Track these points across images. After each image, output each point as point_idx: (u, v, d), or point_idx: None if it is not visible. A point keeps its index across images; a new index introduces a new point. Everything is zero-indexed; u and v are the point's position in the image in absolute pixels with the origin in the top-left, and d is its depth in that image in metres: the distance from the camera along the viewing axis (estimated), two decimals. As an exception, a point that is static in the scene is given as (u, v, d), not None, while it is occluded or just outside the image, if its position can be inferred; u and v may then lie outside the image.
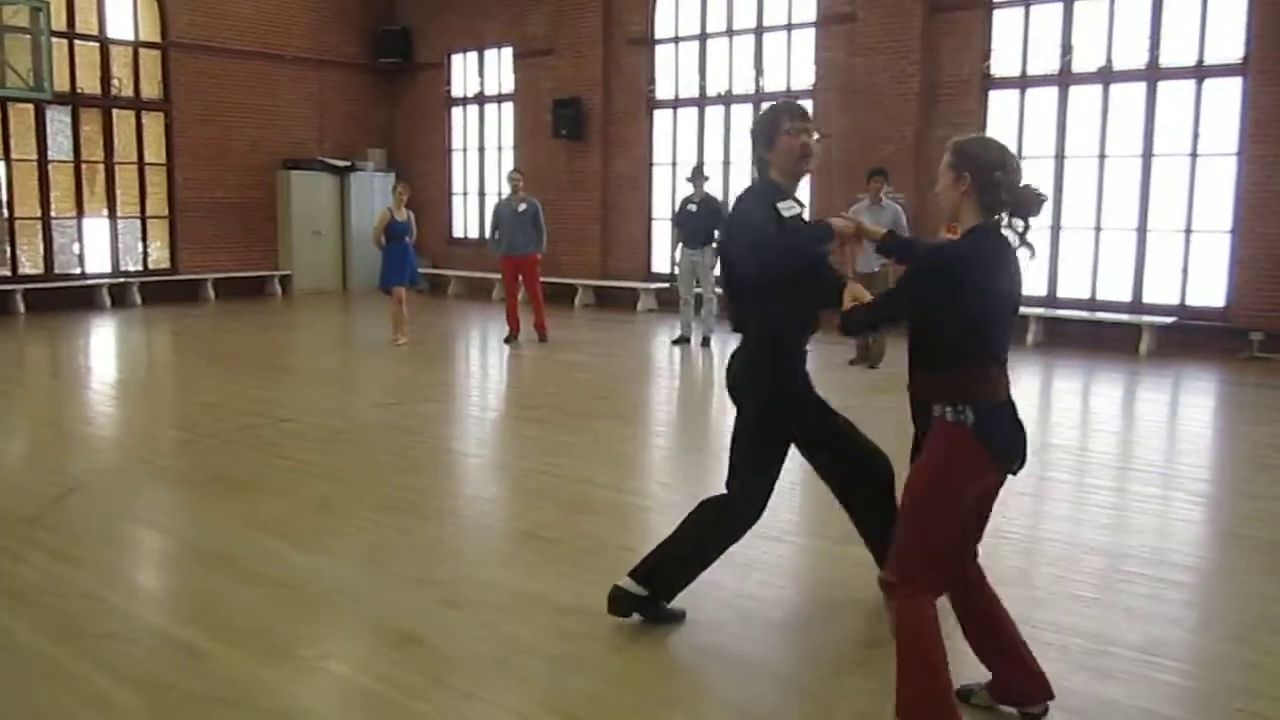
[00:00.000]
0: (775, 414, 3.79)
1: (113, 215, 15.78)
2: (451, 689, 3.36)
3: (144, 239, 16.24)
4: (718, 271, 11.84)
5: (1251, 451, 7.09)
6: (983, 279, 2.93)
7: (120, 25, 15.62)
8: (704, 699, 3.33)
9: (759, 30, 14.35)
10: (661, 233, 14.99)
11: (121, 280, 15.56)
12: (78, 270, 15.59)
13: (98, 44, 15.35)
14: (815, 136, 3.84)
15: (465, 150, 18.36)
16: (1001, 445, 2.97)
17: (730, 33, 14.64)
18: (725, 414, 8.50)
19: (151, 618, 3.97)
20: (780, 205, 3.70)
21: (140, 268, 16.17)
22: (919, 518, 2.99)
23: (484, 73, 17.81)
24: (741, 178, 14.65)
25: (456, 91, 18.23)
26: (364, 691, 3.38)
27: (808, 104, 13.71)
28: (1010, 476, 3.07)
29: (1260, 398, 9.02)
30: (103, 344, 12.20)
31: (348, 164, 17.76)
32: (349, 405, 8.23)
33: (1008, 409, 3.02)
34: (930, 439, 3.04)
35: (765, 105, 14.26)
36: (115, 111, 15.64)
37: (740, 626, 3.87)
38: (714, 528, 3.86)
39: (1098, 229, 11.87)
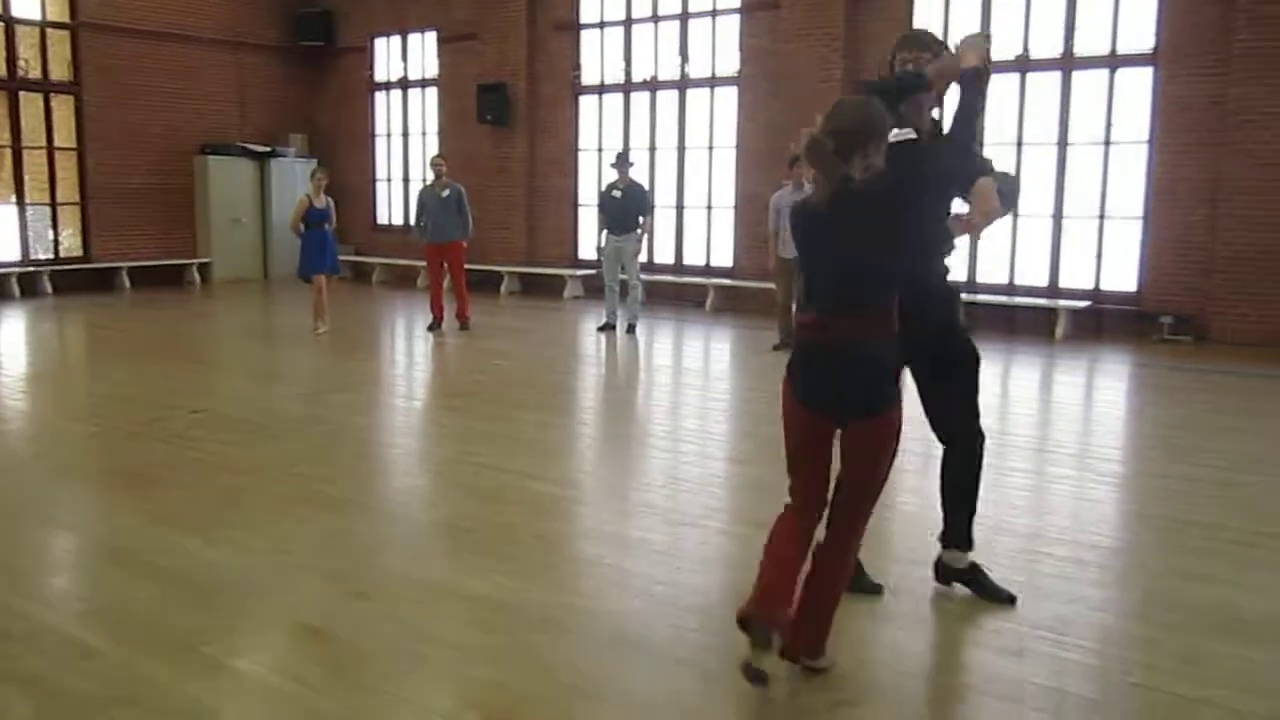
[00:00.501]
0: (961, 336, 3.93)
1: (21, 202, 15.27)
2: (357, 683, 3.29)
3: (55, 226, 15.75)
4: (643, 258, 11.94)
5: (1158, 432, 7.28)
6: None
7: (26, 4, 15.09)
8: (612, 688, 3.31)
9: (684, 16, 14.33)
10: (588, 219, 14.93)
11: (31, 269, 15.07)
12: (-16, 259, 15.10)
13: (2, 24, 14.81)
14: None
15: (389, 136, 18.09)
16: (798, 387, 3.26)
17: (656, 18, 14.61)
18: (650, 399, 8.54)
19: (46, 616, 3.84)
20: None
21: (51, 256, 15.68)
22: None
23: (408, 57, 17.56)
24: (667, 163, 14.66)
25: (380, 76, 17.96)
26: (267, 688, 3.31)
27: (732, 91, 13.79)
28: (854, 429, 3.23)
29: (1168, 379, 9.25)
30: (10, 335, 11.80)
31: (268, 149, 17.39)
32: (264, 396, 8.06)
33: (816, 357, 3.22)
34: None
35: (689, 91, 14.12)
36: (22, 94, 15.12)
37: (654, 614, 3.86)
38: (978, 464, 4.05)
39: (1015, 215, 12.06)
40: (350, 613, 3.84)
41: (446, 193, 11.55)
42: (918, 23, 12.48)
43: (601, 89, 15.30)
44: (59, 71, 15.45)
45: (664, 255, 14.81)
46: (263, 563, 4.35)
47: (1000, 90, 12.00)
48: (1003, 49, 11.94)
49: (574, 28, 15.32)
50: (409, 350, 11.30)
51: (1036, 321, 11.52)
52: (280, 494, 5.35)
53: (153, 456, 6.11)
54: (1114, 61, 11.29)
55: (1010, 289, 12.07)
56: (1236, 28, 10.33)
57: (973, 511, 4.06)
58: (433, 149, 16.40)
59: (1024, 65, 11.85)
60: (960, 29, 12.16)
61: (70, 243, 15.95)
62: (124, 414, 7.30)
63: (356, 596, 3.99)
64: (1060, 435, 7.21)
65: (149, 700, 3.19)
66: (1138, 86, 11.24)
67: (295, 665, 3.46)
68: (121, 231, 16.13)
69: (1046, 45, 11.68)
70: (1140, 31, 11.15)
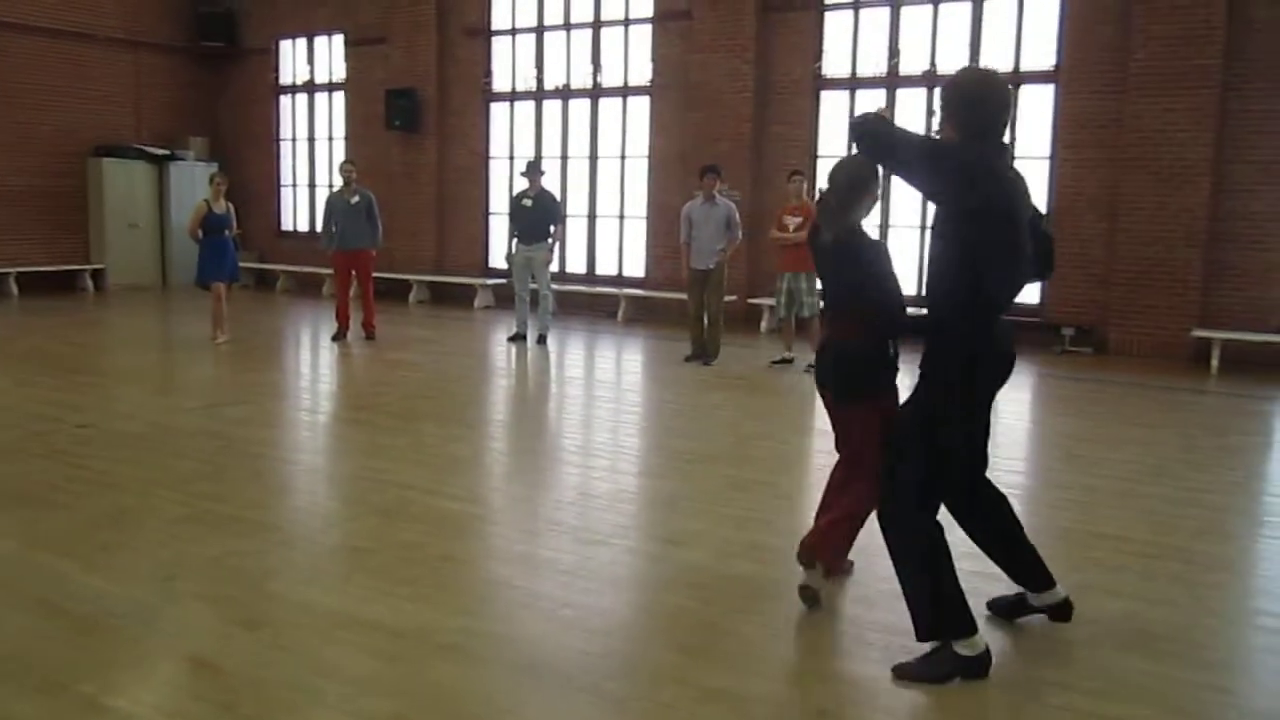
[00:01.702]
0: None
1: (-102, 204, 14.51)
2: (243, 719, 3.10)
3: (-65, 230, 15.00)
4: (554, 267, 11.79)
5: (1060, 442, 7.40)
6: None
7: (-95, -4, 14.37)
8: (515, 717, 3.17)
9: (596, 25, 14.26)
10: (499, 227, 14.75)
11: (-91, 274, 14.33)
12: None
13: (-122, 16, 14.08)
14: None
15: (294, 140, 17.68)
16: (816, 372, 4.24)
17: (568, 26, 14.52)
18: (561, 412, 8.40)
19: (-98, 652, 3.55)
20: None
21: (-69, 261, 14.94)
22: None
23: (314, 60, 17.18)
24: (579, 172, 14.56)
25: (285, 79, 17.54)
26: (144, 727, 3.09)
27: (645, 100, 13.75)
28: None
29: (1069, 390, 9.44)
30: (-117, 344, 11.16)
31: (167, 152, 16.81)
32: (156, 409, 7.72)
33: (820, 351, 4.21)
34: None
35: (601, 100, 14.06)
36: (-100, 90, 14.40)
37: (559, 638, 3.72)
38: None
39: (923, 228, 12.22)
40: (240, 643, 3.63)
41: (356, 199, 11.27)
42: (827, 37, 12.60)
43: (513, 96, 15.14)
44: (-59, 68, 14.74)
45: (576, 265, 14.70)
46: (147, 590, 4.10)
47: (910, 105, 12.18)
48: (911, 63, 12.13)
49: (485, 33, 15.14)
50: (312, 361, 10.98)
51: (944, 333, 11.67)
52: (169, 514, 5.07)
53: (32, 474, 5.76)
54: (1017, 78, 11.52)
55: (918, 301, 12.19)
56: (1133, 47, 10.63)
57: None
58: (340, 154, 16.07)
59: (931, 80, 12.03)
60: (870, 44, 12.32)
61: (-47, 247, 15.21)
62: (4, 429, 6.90)
63: (247, 625, 3.77)
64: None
65: (14, 744, 2.96)
66: (1040, 103, 11.50)
67: (179, 702, 3.25)
68: (9, 236, 15.42)
69: (953, 61, 11.86)
70: (1043, 49, 11.40)
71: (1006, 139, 3.45)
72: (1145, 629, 3.88)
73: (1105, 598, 4.19)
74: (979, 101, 3.40)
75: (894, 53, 12.18)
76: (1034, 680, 3.48)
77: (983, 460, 3.90)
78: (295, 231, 17.75)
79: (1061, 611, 3.88)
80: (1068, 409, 8.74)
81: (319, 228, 12.02)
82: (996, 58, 11.60)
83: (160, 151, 16.73)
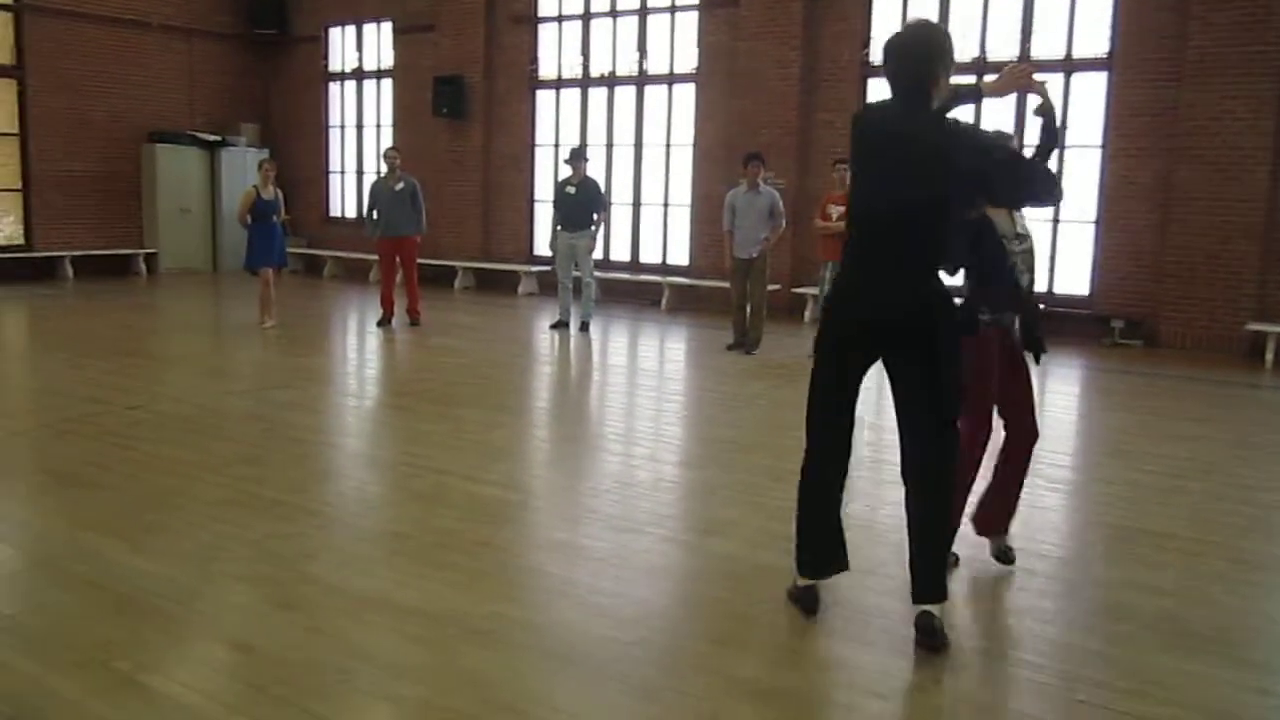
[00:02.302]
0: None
1: (-40, 188, 14.86)
2: (275, 699, 3.14)
3: (-5, 214, 15.35)
4: (597, 255, 11.80)
5: (1108, 436, 7.28)
6: None
7: (-34, -14, 14.68)
8: (544, 704, 3.18)
9: (643, 12, 14.21)
10: (544, 215, 14.79)
11: (-31, 258, 14.67)
12: (-80, 246, 14.66)
13: (-60, 5, 14.40)
14: None
15: (343, 127, 17.83)
16: None
17: (614, 13, 14.48)
18: (602, 400, 8.41)
19: (-50, 627, 3.64)
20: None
21: (-9, 244, 15.29)
22: None
23: (363, 47, 17.30)
24: (624, 160, 14.54)
25: (334, 66, 17.68)
26: (179, 706, 3.13)
27: (690, 88, 13.70)
28: None
29: (1119, 384, 9.28)
30: (-57, 325, 11.46)
31: (219, 138, 17.04)
32: (204, 392, 7.84)
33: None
34: None
35: (646, 88, 14.02)
36: (-38, 78, 14.73)
37: (592, 626, 3.73)
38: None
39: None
40: (275, 625, 3.68)
41: (400, 186, 11.35)
42: (876, 23, 12.46)
43: (559, 84, 15.15)
44: (2, 55, 15.02)
45: (620, 253, 14.69)
46: (188, 570, 4.17)
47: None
48: (960, 50, 11.95)
49: (532, 21, 15.15)
50: (357, 346, 11.09)
51: (990, 324, 11.51)
52: (213, 496, 5.15)
53: (82, 455, 5.88)
54: (1070, 65, 11.32)
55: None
56: (1190, 34, 10.39)
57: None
58: (387, 141, 16.20)
59: (981, 67, 11.84)
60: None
61: (11, 231, 15.54)
62: (56, 410, 7.06)
63: (283, 607, 3.82)
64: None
65: (51, 719, 3.02)
66: (1093, 91, 11.28)
67: (212, 681, 3.30)
68: (65, 220, 15.73)
69: (1004, 48, 11.68)
70: (1096, 36, 11.18)
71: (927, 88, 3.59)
72: (1185, 628, 3.81)
73: (1146, 595, 4.12)
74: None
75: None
76: (1068, 676, 3.42)
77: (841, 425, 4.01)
78: (343, 218, 17.92)
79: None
80: (1116, 403, 8.60)
81: (365, 214, 12.11)
82: (1048, 44, 11.41)
83: (212, 138, 16.97)
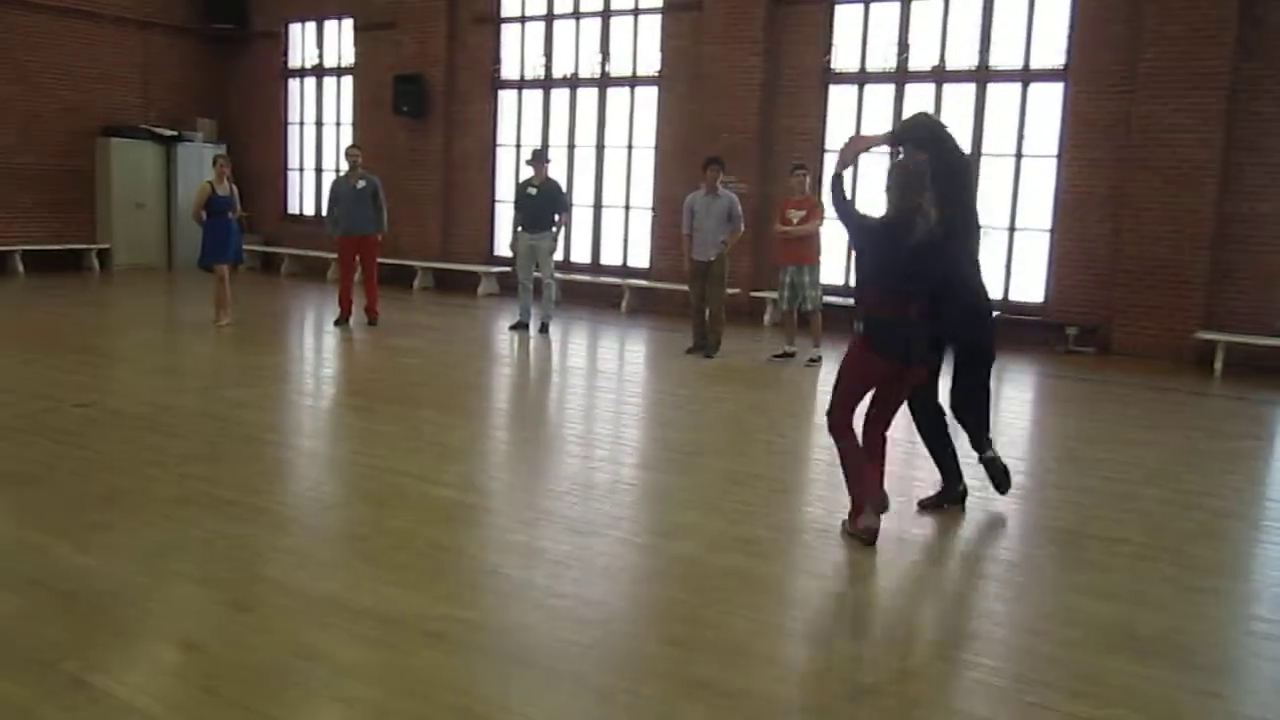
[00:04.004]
0: None
1: (-95, 180, 14.52)
2: (226, 701, 3.10)
3: (-58, 207, 15.02)
4: (558, 256, 11.78)
5: (1059, 442, 7.38)
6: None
7: (-85, -28, 14.35)
8: (497, 706, 3.16)
9: (606, 14, 14.21)
10: (505, 215, 14.73)
11: (-85, 251, 14.35)
12: None
13: (-112, -8, 14.07)
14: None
15: (302, 124, 17.65)
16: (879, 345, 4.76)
17: (577, 15, 14.47)
18: (561, 402, 8.39)
19: (-109, 628, 3.56)
20: None
21: (-63, 238, 14.96)
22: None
23: (323, 44, 17.14)
24: (585, 161, 14.53)
25: (294, 62, 17.50)
26: (128, 708, 3.07)
27: (653, 91, 13.71)
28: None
29: (1071, 390, 9.41)
30: (-113, 319, 11.20)
31: (175, 133, 16.79)
32: (157, 390, 7.72)
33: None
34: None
35: (609, 90, 14.03)
36: (-91, 67, 14.40)
37: (548, 628, 3.72)
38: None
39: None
40: (227, 626, 3.63)
41: (361, 184, 11.26)
42: (838, 29, 12.54)
43: (521, 84, 15.10)
44: (-50, 45, 14.74)
45: (580, 254, 14.67)
46: (137, 570, 4.10)
47: (917, 101, 12.12)
48: (921, 59, 12.07)
49: (494, 21, 15.10)
50: (314, 345, 10.99)
51: (947, 330, 11.61)
52: (164, 495, 5.08)
53: (30, 453, 5.77)
54: (1027, 76, 11.47)
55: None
56: (1143, 47, 10.57)
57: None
58: (347, 139, 16.02)
59: (940, 76, 11.98)
60: (879, 38, 12.26)
61: (-41, 225, 15.23)
62: (3, 407, 6.92)
63: (235, 608, 3.78)
64: (964, 446, 7.23)
65: (-4, 722, 2.96)
66: (1049, 101, 11.44)
67: (163, 683, 3.25)
68: (15, 214, 15.43)
69: (962, 57, 11.81)
70: (1053, 47, 11.33)
71: None
72: (1134, 632, 3.86)
73: (1095, 600, 4.17)
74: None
75: (903, 48, 12.12)
76: (1018, 678, 3.46)
77: None
78: (301, 215, 17.75)
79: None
80: (1069, 409, 8.72)
81: (324, 212, 11.99)
82: (1006, 54, 11.55)
83: (168, 133, 16.72)
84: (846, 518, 4.82)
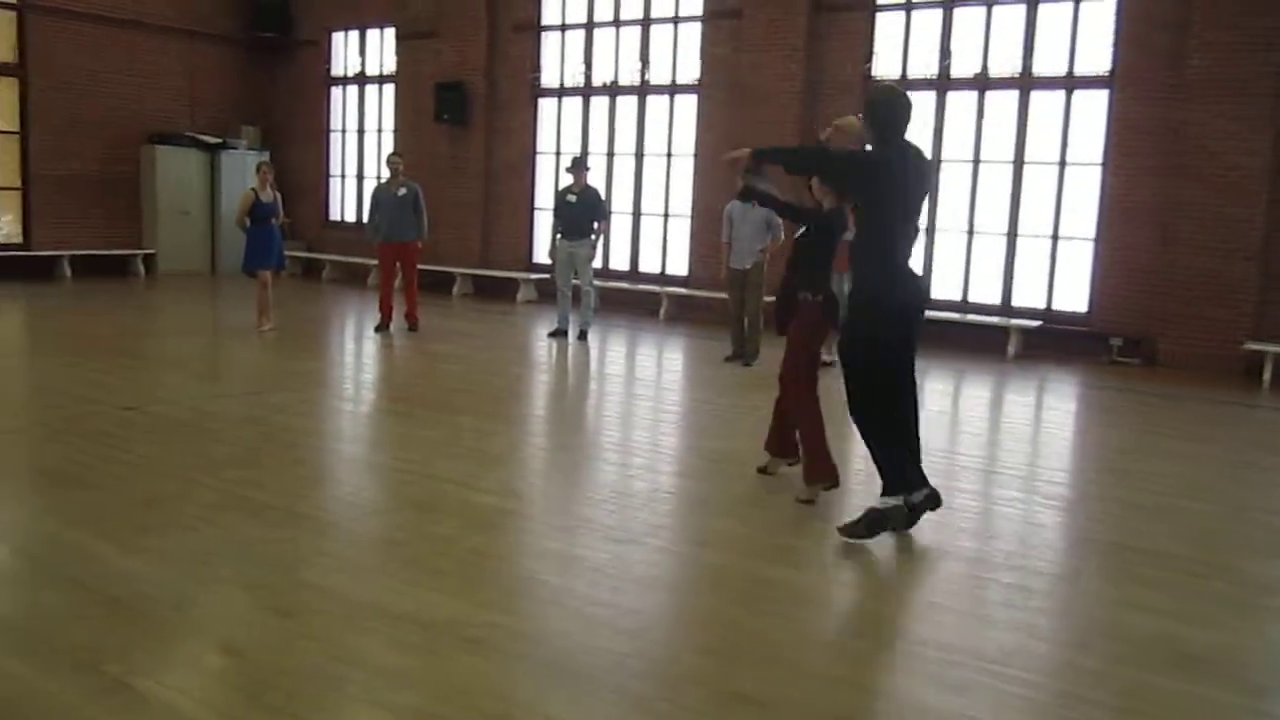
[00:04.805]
0: None
1: (-41, 186, 14.83)
2: (268, 707, 3.11)
3: (-7, 212, 15.33)
4: (597, 263, 11.79)
5: (1103, 455, 7.27)
6: None
7: (-30, -16, 14.67)
8: (537, 714, 3.15)
9: (646, 22, 14.23)
10: (544, 223, 14.78)
11: (-34, 256, 14.64)
12: (-83, 243, 14.62)
13: (-57, 3, 14.38)
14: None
15: (344, 132, 17.83)
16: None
17: (617, 23, 14.50)
18: (599, 409, 8.39)
19: (-60, 627, 3.61)
20: None
21: (-11, 242, 15.26)
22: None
23: (365, 52, 17.31)
24: (624, 169, 14.55)
25: (336, 70, 17.69)
26: (170, 710, 3.10)
27: (692, 99, 13.71)
28: None
29: (1116, 401, 9.27)
30: (-61, 323, 11.42)
31: (219, 141, 17.02)
32: (199, 394, 7.81)
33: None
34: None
35: (648, 98, 14.06)
36: (-38, 76, 14.71)
37: (587, 636, 3.71)
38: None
39: (970, 233, 12.09)
40: (268, 630, 3.66)
41: (403, 191, 11.34)
42: (879, 37, 12.48)
43: (561, 92, 15.16)
44: (3, 54, 15.03)
45: (619, 262, 14.69)
46: (179, 574, 4.14)
47: (959, 108, 12.04)
48: (963, 66, 11.98)
49: (535, 29, 15.17)
50: (355, 351, 11.07)
51: (988, 340, 11.52)
52: (206, 499, 5.13)
53: (75, 456, 5.86)
54: (1071, 83, 11.34)
55: (964, 306, 12.08)
56: (1189, 53, 10.41)
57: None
58: (388, 146, 16.20)
59: (983, 84, 11.88)
60: (921, 45, 12.17)
61: (9, 229, 15.52)
62: (50, 409, 7.04)
63: (276, 612, 3.80)
64: (1008, 457, 7.16)
65: (43, 723, 2.99)
66: (1093, 108, 11.30)
67: (205, 687, 3.27)
68: (64, 219, 15.70)
69: (1005, 64, 11.70)
70: (1097, 54, 11.20)
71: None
72: (1184, 649, 3.79)
73: (1143, 615, 4.10)
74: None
75: (945, 55, 12.03)
76: (1058, 692, 3.41)
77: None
78: (343, 222, 17.91)
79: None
80: (1112, 420, 8.59)
81: (366, 219, 12.09)
82: (1049, 61, 11.43)
83: (212, 140, 16.95)
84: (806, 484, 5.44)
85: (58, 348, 9.72)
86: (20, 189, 15.37)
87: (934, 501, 4.96)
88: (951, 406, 9.05)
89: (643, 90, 14.35)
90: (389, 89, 17.00)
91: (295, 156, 17.76)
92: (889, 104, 4.84)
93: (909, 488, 4.85)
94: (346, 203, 17.94)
